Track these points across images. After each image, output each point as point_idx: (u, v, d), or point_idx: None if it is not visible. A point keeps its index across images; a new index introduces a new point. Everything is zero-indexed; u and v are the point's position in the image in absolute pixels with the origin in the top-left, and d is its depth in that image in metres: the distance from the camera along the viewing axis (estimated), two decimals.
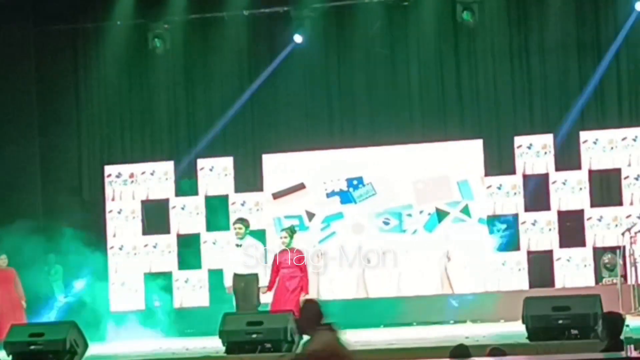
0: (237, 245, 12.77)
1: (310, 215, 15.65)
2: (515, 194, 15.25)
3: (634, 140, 15.02)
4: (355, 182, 15.58)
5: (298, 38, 15.63)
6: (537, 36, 15.55)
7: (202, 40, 16.03)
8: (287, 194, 15.69)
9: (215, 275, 15.66)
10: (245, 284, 12.63)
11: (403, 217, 15.46)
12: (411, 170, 15.46)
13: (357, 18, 15.66)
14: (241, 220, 13.06)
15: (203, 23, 15.95)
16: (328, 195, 15.63)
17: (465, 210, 15.31)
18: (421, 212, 15.41)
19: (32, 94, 16.10)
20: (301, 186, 15.67)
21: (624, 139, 15.06)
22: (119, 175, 16.13)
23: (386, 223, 15.46)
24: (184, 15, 15.95)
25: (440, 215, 15.38)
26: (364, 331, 13.69)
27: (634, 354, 7.11)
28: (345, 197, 15.60)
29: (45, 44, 15.99)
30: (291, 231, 12.80)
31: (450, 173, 15.37)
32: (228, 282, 12.85)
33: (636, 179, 15.02)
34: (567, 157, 15.18)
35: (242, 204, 15.78)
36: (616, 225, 14.90)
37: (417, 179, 15.44)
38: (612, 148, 15.09)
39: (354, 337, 12.32)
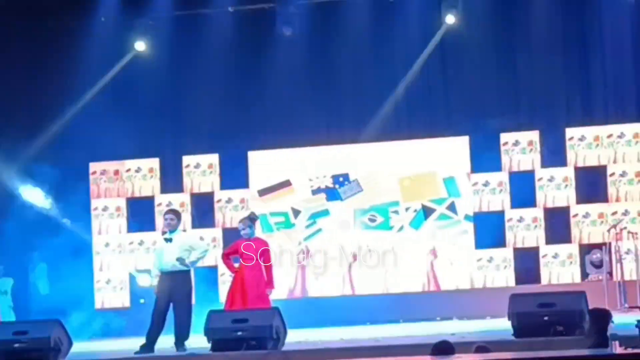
0: (167, 240, 11.27)
1: (296, 212, 15.62)
2: (501, 191, 15.25)
3: (619, 137, 15.04)
4: (341, 179, 15.56)
5: (285, 32, 15.59)
6: (522, 32, 15.51)
7: (188, 37, 15.95)
8: (273, 191, 15.65)
9: (202, 273, 15.64)
10: (175, 283, 11.22)
11: (389, 214, 15.43)
12: (397, 167, 15.45)
13: (342, 14, 15.61)
14: (173, 212, 11.68)
15: (188, 20, 15.89)
16: (314, 192, 15.60)
17: (452, 207, 15.30)
18: (407, 209, 15.39)
19: (17, 89, 15.99)
20: (287, 183, 15.64)
21: (609, 136, 15.08)
22: (103, 173, 16.07)
23: (372, 220, 15.43)
24: (169, 12, 15.89)
25: (427, 212, 15.37)
26: (350, 328, 13.68)
27: (619, 350, 7.10)
28: (332, 194, 15.57)
29: (29, 40, 15.89)
30: (250, 220, 11.67)
31: (436, 170, 15.36)
32: (144, 281, 11.76)
33: (622, 175, 15.04)
34: (553, 154, 15.20)
35: (228, 201, 15.74)
36: (602, 222, 14.92)
37: (403, 175, 15.42)
38: (597, 145, 15.12)
39: (340, 334, 12.36)
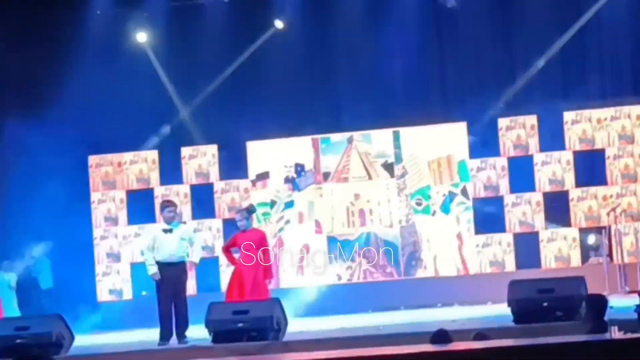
0: (166, 231, 11.39)
1: (273, 203, 15.59)
2: (503, 176, 15.25)
3: (611, 120, 15.05)
4: (298, 169, 15.55)
5: (279, 24, 15.59)
6: (519, 16, 15.44)
7: (183, 28, 15.91)
8: (262, 180, 15.67)
9: (203, 264, 15.65)
10: (176, 274, 11.35)
11: (428, 198, 15.31)
12: (425, 151, 15.37)
13: (336, 3, 15.55)
14: (172, 204, 11.81)
15: (183, 11, 15.85)
16: (285, 182, 15.60)
17: (464, 192, 15.31)
18: (437, 192, 15.34)
19: (13, 83, 15.96)
20: (267, 175, 15.63)
21: (605, 119, 15.09)
22: (103, 165, 16.06)
23: (419, 204, 15.38)
24: (164, 3, 15.85)
25: (452, 196, 15.34)
26: (351, 316, 13.67)
27: (618, 335, 7.12)
28: (295, 185, 15.58)
29: (24, 34, 15.85)
30: (248, 212, 11.92)
31: (452, 153, 15.27)
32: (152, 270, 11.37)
33: (620, 157, 15.03)
34: (552, 138, 15.20)
35: (224, 192, 15.74)
36: (602, 205, 14.93)
37: (431, 159, 15.33)
38: (596, 128, 15.11)
39: (341, 323, 12.37)
